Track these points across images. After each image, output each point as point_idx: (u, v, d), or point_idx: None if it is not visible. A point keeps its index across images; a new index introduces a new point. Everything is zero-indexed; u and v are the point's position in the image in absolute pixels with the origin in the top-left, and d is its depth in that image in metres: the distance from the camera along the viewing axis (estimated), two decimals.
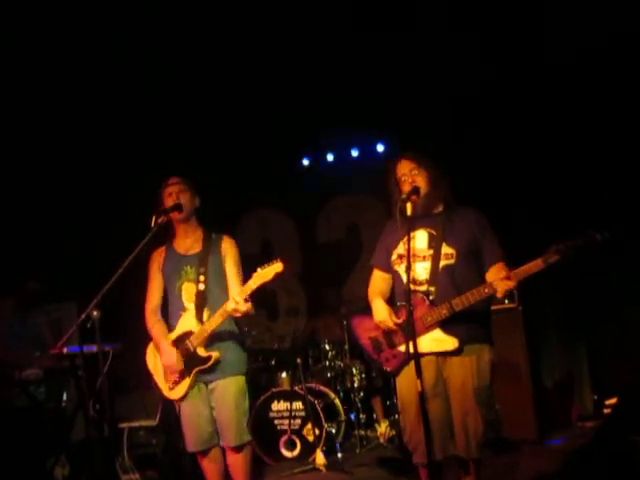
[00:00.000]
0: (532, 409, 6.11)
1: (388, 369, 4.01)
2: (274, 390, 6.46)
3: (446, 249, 3.89)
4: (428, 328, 3.80)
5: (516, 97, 6.68)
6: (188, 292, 4.32)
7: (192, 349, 4.20)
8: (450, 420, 3.83)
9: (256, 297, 4.22)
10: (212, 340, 4.22)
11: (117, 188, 7.48)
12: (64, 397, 6.00)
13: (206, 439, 4.28)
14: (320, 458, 5.89)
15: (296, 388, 6.37)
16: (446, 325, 3.80)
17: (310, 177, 8.43)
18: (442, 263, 3.87)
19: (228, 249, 4.39)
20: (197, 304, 4.27)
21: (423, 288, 3.87)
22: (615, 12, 5.82)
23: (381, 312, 3.99)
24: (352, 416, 6.54)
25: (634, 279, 6.25)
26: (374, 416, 6.90)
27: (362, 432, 6.50)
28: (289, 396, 6.35)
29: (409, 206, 3.81)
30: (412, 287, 3.79)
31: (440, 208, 4.03)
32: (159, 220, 4.17)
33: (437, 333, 3.82)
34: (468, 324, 3.81)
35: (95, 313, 3.88)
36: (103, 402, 4.56)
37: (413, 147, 4.12)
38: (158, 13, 6.09)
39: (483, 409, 3.78)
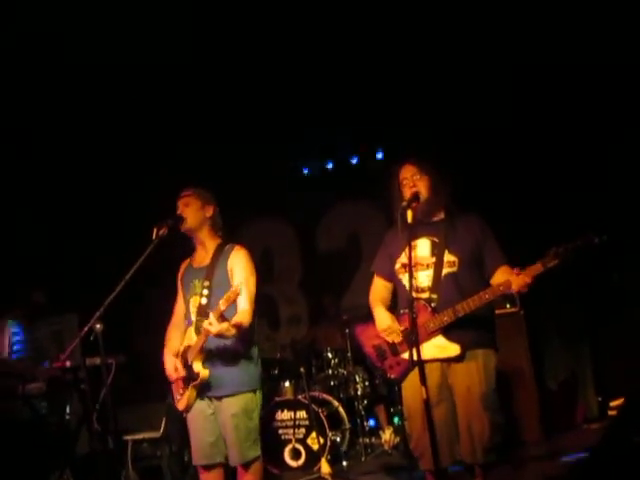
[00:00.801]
0: (537, 412, 6.12)
1: (392, 376, 4.02)
2: (277, 399, 6.45)
3: (449, 257, 3.89)
4: (430, 335, 3.81)
5: (514, 101, 6.70)
6: (194, 306, 4.29)
7: (190, 363, 4.16)
8: (456, 426, 3.83)
9: (257, 306, 4.22)
10: (212, 356, 4.15)
11: (118, 199, 7.50)
12: (67, 410, 5.99)
13: (208, 454, 4.22)
14: (325, 467, 5.88)
15: (299, 397, 6.36)
16: (449, 332, 3.81)
17: (310, 185, 8.44)
18: (445, 271, 3.88)
19: (236, 260, 4.25)
20: (197, 318, 4.22)
21: (425, 295, 3.87)
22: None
23: (384, 320, 4.00)
24: (356, 424, 6.52)
25: (636, 280, 6.26)
26: (378, 423, 6.88)
27: (367, 440, 6.48)
28: (293, 405, 6.34)
29: (410, 213, 3.81)
30: (414, 295, 3.81)
31: (441, 215, 4.03)
32: (160, 232, 4.14)
33: (439, 340, 3.82)
34: (472, 330, 3.82)
35: (98, 326, 3.87)
36: (107, 415, 4.54)
37: (415, 153, 4.12)
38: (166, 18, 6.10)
39: (489, 414, 3.78)
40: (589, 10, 5.85)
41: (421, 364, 3.46)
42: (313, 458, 6.13)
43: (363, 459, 6.30)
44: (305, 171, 8.62)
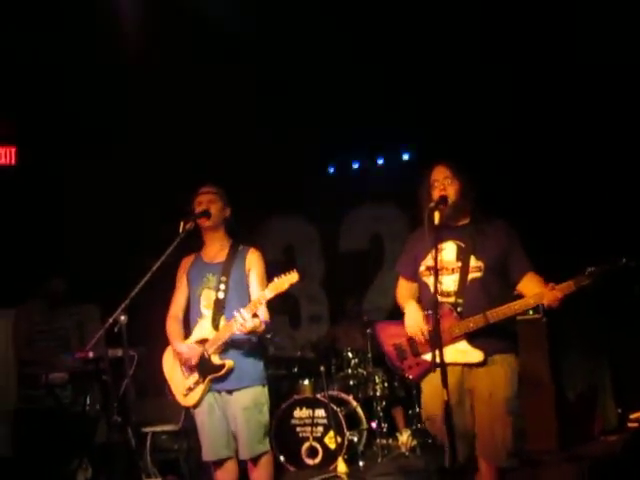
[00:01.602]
0: (554, 421, 6.09)
1: (410, 377, 4.00)
2: (296, 397, 6.46)
3: (475, 262, 3.87)
4: (454, 339, 3.79)
5: (542, 112, 6.68)
6: (207, 299, 4.32)
7: (207, 356, 4.19)
8: (472, 429, 3.82)
9: (278, 305, 4.25)
10: (228, 348, 4.20)
11: (142, 193, 7.54)
12: (88, 400, 6.04)
13: (219, 450, 4.25)
14: (342, 466, 5.89)
15: (318, 396, 6.37)
16: (472, 338, 3.78)
17: (335, 185, 8.45)
18: (470, 276, 3.86)
19: (254, 262, 4.35)
20: (214, 311, 4.27)
21: (451, 300, 3.85)
22: None
23: (415, 316, 3.94)
24: (374, 425, 6.52)
25: None
26: (396, 425, 6.88)
27: (384, 441, 6.48)
28: (311, 404, 6.35)
29: (437, 215, 3.81)
30: (441, 299, 3.79)
31: (467, 219, 4.01)
32: (187, 226, 4.19)
33: (463, 345, 3.80)
34: (494, 336, 3.79)
35: (123, 318, 3.91)
36: (127, 406, 4.58)
37: (446, 154, 4.11)
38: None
39: (513, 418, 3.76)
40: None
41: (444, 367, 3.46)
42: (330, 457, 6.14)
43: (379, 460, 6.30)
44: (331, 170, 8.63)
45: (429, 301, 3.89)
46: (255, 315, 4.06)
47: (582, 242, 6.19)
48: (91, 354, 5.27)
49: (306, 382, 6.69)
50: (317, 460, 6.22)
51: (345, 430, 6.12)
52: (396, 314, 4.20)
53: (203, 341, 4.23)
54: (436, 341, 3.47)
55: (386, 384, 6.71)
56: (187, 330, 4.41)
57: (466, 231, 3.94)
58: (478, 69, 6.59)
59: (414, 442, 6.32)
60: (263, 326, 4.15)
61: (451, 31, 6.33)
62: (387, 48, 6.56)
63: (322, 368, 6.31)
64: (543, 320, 6.23)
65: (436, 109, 6.99)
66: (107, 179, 7.43)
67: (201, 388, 4.22)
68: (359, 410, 6.51)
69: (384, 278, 7.80)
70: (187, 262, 4.51)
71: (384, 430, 6.58)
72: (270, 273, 4.24)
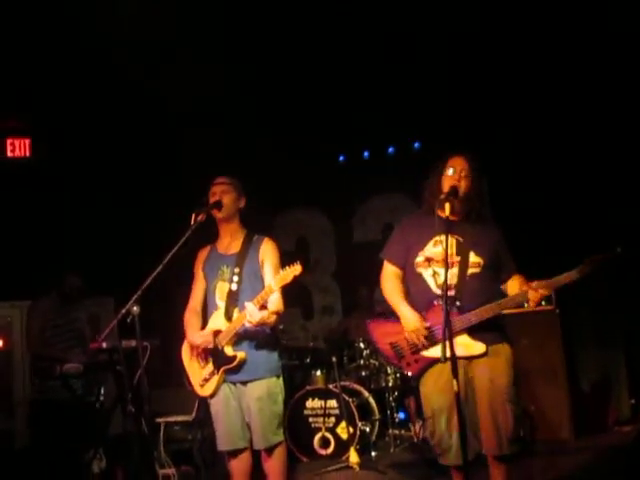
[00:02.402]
0: (568, 411, 6.09)
1: (409, 373, 4.03)
2: (308, 388, 6.48)
3: (474, 257, 3.88)
4: (456, 334, 3.78)
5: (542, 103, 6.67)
6: (221, 291, 4.33)
7: (220, 347, 4.22)
8: (476, 420, 3.82)
9: (291, 296, 4.26)
10: (242, 339, 4.21)
11: (154, 184, 7.58)
12: (102, 391, 6.09)
13: (234, 440, 4.27)
14: (354, 456, 5.90)
15: (330, 386, 6.38)
16: (472, 330, 3.80)
17: (346, 175, 8.44)
18: (469, 271, 3.87)
19: (267, 252, 4.34)
20: (228, 303, 4.28)
21: (450, 293, 3.83)
22: None
23: (413, 320, 3.92)
24: (386, 415, 6.54)
25: None
26: (408, 416, 6.89)
27: (396, 431, 6.50)
28: (323, 394, 6.37)
29: (447, 206, 3.80)
30: (438, 291, 3.83)
31: (463, 215, 3.99)
32: (198, 218, 4.19)
33: (464, 338, 3.80)
34: (490, 328, 3.83)
35: (135, 308, 3.92)
36: (141, 397, 4.60)
37: (459, 145, 4.09)
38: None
39: (512, 405, 3.79)
40: None
41: (454, 359, 3.47)
42: (342, 447, 6.16)
43: (392, 450, 6.32)
44: (341, 159, 8.61)
45: (424, 294, 3.91)
46: (264, 307, 4.07)
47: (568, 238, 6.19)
48: (104, 345, 5.30)
49: (318, 373, 6.70)
50: (329, 450, 6.25)
51: (357, 420, 6.13)
52: None
53: (217, 332, 4.25)
54: (446, 334, 3.48)
55: (398, 375, 6.71)
56: (205, 322, 4.43)
57: (463, 227, 3.92)
58: (487, 59, 6.57)
59: (426, 432, 6.32)
60: (274, 317, 4.15)
61: (459, 20, 6.31)
62: (397, 37, 6.55)
63: (334, 359, 6.32)
64: (556, 311, 6.24)
65: (445, 98, 6.97)
66: (121, 170, 7.47)
67: (215, 379, 4.25)
68: (371, 400, 6.53)
69: None
70: (203, 254, 4.53)
71: (396, 420, 6.59)
72: (285, 265, 4.25)
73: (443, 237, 3.78)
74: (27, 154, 7.40)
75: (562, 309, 6.24)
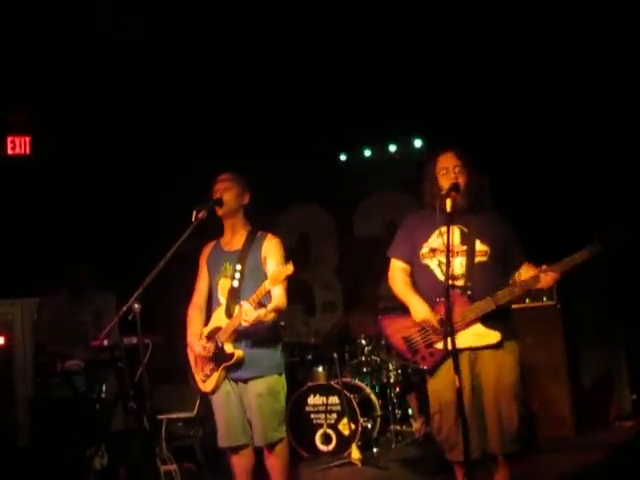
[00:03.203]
0: (570, 407, 6.10)
1: (425, 367, 3.95)
2: (310, 384, 6.49)
3: (480, 246, 3.89)
4: (469, 324, 3.79)
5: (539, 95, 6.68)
6: (223, 287, 4.34)
7: (220, 345, 4.22)
8: (483, 416, 3.82)
9: (292, 292, 4.26)
10: (243, 337, 4.21)
11: (155, 180, 7.57)
12: (104, 388, 6.09)
13: (235, 436, 4.28)
14: (355, 453, 5.91)
15: (332, 382, 6.39)
16: (486, 320, 3.80)
17: (348, 172, 8.44)
18: (477, 259, 3.87)
19: (271, 248, 4.33)
20: (229, 300, 4.28)
21: (460, 283, 3.85)
22: None
23: (424, 310, 3.92)
24: (388, 411, 6.54)
25: None
26: (410, 412, 6.89)
27: (398, 427, 6.51)
28: (325, 390, 6.37)
29: (449, 202, 3.80)
30: (449, 281, 3.79)
31: (467, 207, 3.99)
32: (199, 215, 4.19)
33: (478, 328, 3.80)
34: (504, 320, 3.85)
35: (136, 306, 3.93)
36: (142, 393, 4.61)
37: (457, 142, 4.09)
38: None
39: (517, 403, 3.80)
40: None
41: (455, 353, 3.46)
42: (344, 443, 6.17)
43: (393, 446, 6.34)
44: (343, 157, 8.61)
45: (432, 285, 3.90)
46: (261, 305, 4.06)
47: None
48: (106, 342, 5.30)
49: (320, 369, 6.72)
50: (331, 447, 6.26)
51: (359, 417, 6.14)
52: None
53: (218, 329, 4.26)
54: (447, 328, 3.48)
55: (400, 371, 6.73)
56: (209, 319, 4.43)
57: (467, 218, 3.93)
58: (486, 53, 6.57)
59: (428, 428, 6.33)
60: (272, 315, 4.13)
61: (462, 17, 6.30)
62: (396, 34, 6.54)
63: (335, 355, 6.33)
64: (557, 307, 6.23)
65: (448, 95, 6.96)
66: (122, 166, 7.47)
67: (216, 376, 4.26)
68: (373, 397, 6.53)
69: None
70: (207, 249, 4.54)
71: (398, 417, 6.60)
72: (287, 261, 4.24)
73: (444, 229, 3.78)
74: (27, 152, 7.39)
75: (563, 305, 6.24)
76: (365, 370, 6.87)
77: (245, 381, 4.24)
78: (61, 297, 6.23)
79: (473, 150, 4.07)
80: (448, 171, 3.93)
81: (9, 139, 7.41)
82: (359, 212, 8.56)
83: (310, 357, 7.07)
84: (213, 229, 4.45)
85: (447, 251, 3.66)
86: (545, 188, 6.64)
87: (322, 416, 6.33)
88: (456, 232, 3.91)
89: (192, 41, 6.53)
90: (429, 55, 6.73)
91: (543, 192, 6.62)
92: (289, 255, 4.36)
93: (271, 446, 4.24)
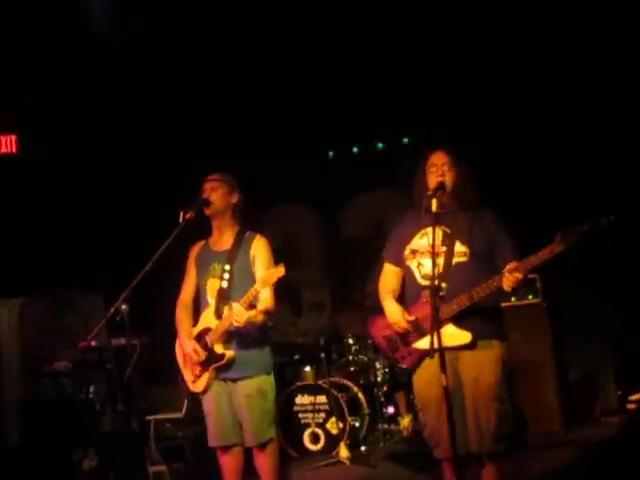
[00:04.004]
0: (556, 404, 6.13)
1: (404, 366, 4.00)
2: (298, 384, 6.51)
3: (460, 247, 3.89)
4: (441, 324, 3.79)
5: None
6: (212, 288, 4.34)
7: (210, 345, 4.23)
8: (464, 415, 3.84)
9: (280, 292, 4.27)
10: (232, 337, 4.22)
11: (143, 182, 7.55)
12: (92, 389, 6.08)
13: (226, 435, 4.29)
14: (344, 451, 5.93)
15: (320, 382, 6.41)
16: (458, 320, 3.81)
17: (335, 171, 8.44)
18: (455, 260, 3.87)
19: (259, 249, 4.34)
20: (218, 301, 4.29)
21: (435, 283, 3.85)
22: None
23: (394, 313, 3.98)
24: (375, 410, 6.56)
25: None
26: (397, 410, 6.92)
27: (386, 426, 6.53)
28: (313, 390, 6.39)
29: (434, 202, 3.82)
30: (424, 282, 3.86)
31: (455, 206, 4.00)
32: (186, 215, 4.21)
33: (450, 328, 3.80)
34: (480, 320, 3.81)
35: (124, 307, 3.94)
36: (131, 395, 4.61)
37: (446, 140, 4.11)
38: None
39: (497, 404, 3.78)
40: None
41: (442, 351, 3.48)
42: (332, 442, 6.19)
43: (381, 445, 6.36)
44: (330, 154, 8.61)
45: (412, 286, 3.95)
46: (252, 306, 4.08)
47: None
48: (93, 343, 5.31)
49: (308, 369, 6.74)
50: (319, 446, 6.28)
51: (347, 415, 6.16)
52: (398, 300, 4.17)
53: (207, 330, 4.27)
54: (434, 326, 3.50)
55: (387, 369, 6.75)
56: (197, 319, 4.44)
57: (452, 217, 3.93)
58: (474, 54, 6.60)
59: (416, 426, 6.36)
60: (262, 316, 4.17)
61: (450, 15, 6.33)
62: (385, 31, 6.56)
63: (322, 355, 6.35)
64: (543, 305, 6.26)
65: (435, 93, 6.99)
66: (109, 166, 7.44)
67: (206, 376, 4.27)
68: (360, 395, 6.54)
69: None
70: (196, 249, 4.54)
71: (386, 415, 6.62)
72: (274, 262, 4.27)
73: (429, 229, 3.78)
74: (14, 151, 7.36)
75: (549, 302, 6.27)
76: (353, 369, 6.88)
77: (235, 381, 4.25)
78: (44, 301, 6.19)
79: (463, 148, 4.08)
80: (437, 168, 3.94)
81: None
82: (346, 211, 8.56)
83: (298, 357, 7.08)
84: (202, 229, 4.45)
85: (433, 251, 3.67)
86: (530, 185, 6.69)
87: (310, 415, 6.35)
88: (440, 233, 3.91)
89: (183, 38, 6.53)
90: (417, 53, 6.75)
91: (529, 189, 6.67)
92: (276, 256, 4.38)
93: (261, 446, 4.25)
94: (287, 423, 6.35)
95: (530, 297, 6.25)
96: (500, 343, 3.89)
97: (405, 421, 6.47)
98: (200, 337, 4.31)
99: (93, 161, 7.42)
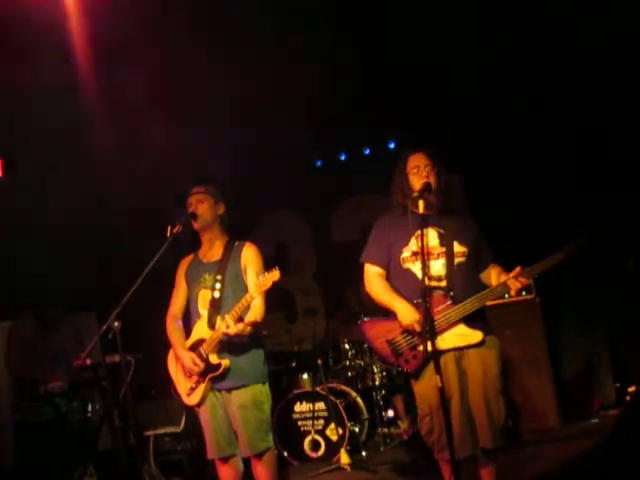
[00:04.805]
0: (553, 399, 6.15)
1: (409, 370, 3.95)
2: (296, 392, 6.49)
3: (459, 247, 3.93)
4: (453, 324, 3.82)
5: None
6: (203, 299, 4.35)
7: (204, 356, 4.23)
8: (471, 415, 3.84)
9: (274, 301, 4.27)
10: (226, 347, 4.23)
11: (136, 196, 7.53)
12: (89, 408, 6.06)
13: (223, 446, 4.29)
14: (344, 457, 5.92)
15: (317, 389, 6.41)
16: (468, 320, 3.84)
17: (323, 177, 8.45)
18: (456, 260, 3.91)
19: (249, 257, 4.36)
20: (210, 311, 4.30)
21: (443, 284, 3.88)
22: None
23: (410, 314, 3.88)
24: (374, 414, 6.56)
25: None
26: (397, 413, 6.91)
27: (385, 430, 6.52)
28: (311, 397, 6.38)
29: (421, 203, 3.84)
30: (430, 284, 3.84)
31: (442, 209, 4.03)
32: (174, 230, 4.22)
33: (461, 328, 3.84)
34: (480, 318, 3.91)
35: (116, 324, 3.94)
36: (127, 411, 4.60)
37: (428, 143, 4.13)
38: None
39: (502, 396, 3.87)
40: None
41: (436, 354, 3.50)
42: (332, 449, 6.18)
43: (382, 449, 6.35)
44: (318, 163, 8.64)
45: (415, 288, 3.89)
46: (240, 319, 4.09)
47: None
48: (88, 361, 5.29)
49: (305, 376, 6.73)
50: (320, 453, 6.27)
51: (346, 421, 6.15)
52: None
53: (201, 341, 4.27)
54: (429, 329, 3.52)
55: (384, 373, 6.74)
56: (188, 331, 4.44)
57: (441, 219, 3.97)
58: (461, 55, 6.62)
59: (415, 429, 6.35)
60: (249, 329, 4.15)
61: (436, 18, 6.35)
62: (368, 38, 6.56)
63: (319, 361, 6.34)
64: (537, 300, 6.28)
65: (421, 97, 6.99)
66: (99, 182, 7.41)
67: (202, 387, 4.27)
68: (359, 400, 6.55)
69: None
70: (185, 262, 4.54)
71: (385, 419, 6.62)
72: (265, 269, 4.26)
73: (426, 231, 3.87)
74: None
75: (542, 297, 6.29)
76: (350, 374, 6.88)
77: (229, 390, 4.25)
78: (29, 323, 6.15)
79: (445, 151, 4.11)
80: (419, 170, 3.97)
81: None
82: (335, 216, 8.58)
83: (294, 365, 7.07)
84: (188, 243, 4.45)
85: (422, 252, 3.71)
86: (518, 189, 6.72)
87: (309, 422, 6.34)
88: (433, 233, 3.95)
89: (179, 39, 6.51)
90: (401, 57, 6.75)
91: (516, 193, 6.70)
92: (267, 264, 4.38)
93: (258, 455, 4.26)
94: (287, 431, 6.34)
95: (524, 293, 6.26)
96: (496, 338, 3.96)
97: (405, 424, 6.47)
98: (194, 348, 4.31)
99: (81, 180, 7.37)
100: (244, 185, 7.63)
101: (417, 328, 3.84)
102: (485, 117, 6.94)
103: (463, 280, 3.88)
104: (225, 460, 4.33)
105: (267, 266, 4.32)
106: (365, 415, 6.50)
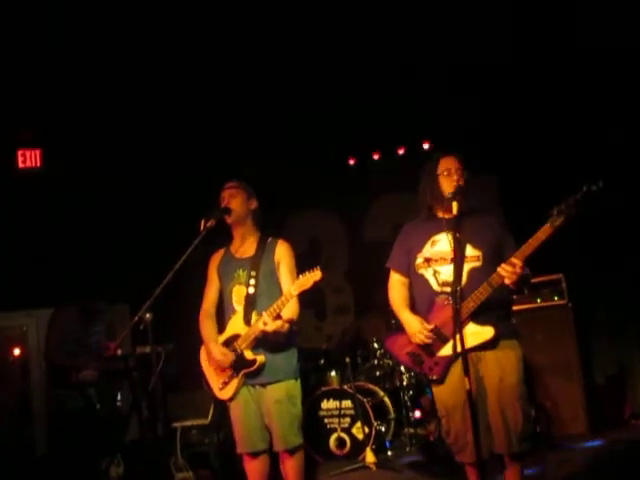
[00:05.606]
0: (583, 406, 6.09)
1: (434, 377, 3.94)
2: (323, 389, 6.49)
3: (472, 251, 3.89)
4: (461, 326, 3.78)
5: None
6: (238, 295, 4.37)
7: (239, 351, 4.25)
8: (487, 418, 3.82)
9: (304, 297, 4.28)
10: (261, 343, 4.25)
11: (167, 189, 7.60)
12: (118, 398, 6.13)
13: (254, 441, 4.31)
14: (370, 456, 5.91)
15: (345, 387, 6.40)
16: (476, 316, 3.80)
17: (357, 175, 8.45)
18: (469, 265, 3.87)
19: (283, 254, 4.38)
20: (246, 307, 4.32)
21: (448, 289, 3.83)
22: None
23: (414, 324, 3.95)
24: (401, 414, 6.54)
25: None
26: (424, 414, 6.88)
27: (412, 430, 6.49)
28: (338, 395, 6.38)
29: (455, 205, 3.82)
30: (440, 289, 3.87)
31: (464, 212, 3.99)
32: (207, 224, 4.23)
33: (471, 327, 3.79)
34: (495, 317, 3.83)
35: (148, 315, 3.96)
36: (156, 402, 4.64)
37: (464, 146, 4.12)
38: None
39: (521, 403, 3.80)
40: None
41: (465, 354, 3.48)
42: (358, 447, 6.16)
43: (408, 449, 6.32)
44: (351, 162, 8.63)
45: (426, 295, 3.93)
46: (278, 317, 4.12)
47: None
48: (119, 352, 5.35)
49: (333, 374, 6.72)
50: (345, 451, 6.25)
51: (372, 420, 6.14)
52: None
53: (236, 337, 4.29)
54: (455, 330, 3.50)
55: (412, 373, 6.71)
56: (221, 326, 4.47)
57: (459, 221, 3.91)
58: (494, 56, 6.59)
59: (442, 431, 6.32)
60: (287, 325, 4.19)
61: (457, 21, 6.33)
62: (404, 37, 6.56)
63: (347, 359, 6.34)
64: (569, 305, 6.23)
65: (454, 97, 6.97)
66: (133, 177, 7.50)
67: (235, 382, 4.29)
68: (386, 400, 6.53)
69: None
70: (217, 257, 4.56)
71: (412, 419, 6.60)
72: (298, 267, 4.30)
73: (439, 236, 3.91)
74: (38, 165, 7.45)
75: (575, 302, 6.24)
76: (378, 373, 6.86)
77: (264, 385, 4.27)
78: (71, 314, 6.23)
79: (479, 151, 4.08)
80: (450, 173, 3.95)
81: (19, 152, 7.47)
82: (369, 215, 8.56)
83: (322, 362, 7.07)
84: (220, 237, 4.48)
85: (455, 255, 3.69)
86: (553, 189, 6.64)
87: (336, 420, 6.34)
88: (447, 238, 3.93)
89: (199, 45, 6.56)
90: (435, 58, 6.73)
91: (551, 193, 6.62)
92: (299, 260, 4.40)
93: (290, 452, 4.28)
94: (313, 428, 6.33)
95: (556, 298, 6.23)
96: (517, 343, 3.91)
97: (431, 425, 6.44)
98: (228, 343, 4.33)
99: (120, 170, 7.47)
100: (278, 181, 7.68)
101: (417, 340, 3.91)
102: (521, 117, 6.89)
103: (475, 284, 3.80)
104: (255, 455, 4.34)
105: (299, 262, 4.34)
106: (392, 415, 6.48)
